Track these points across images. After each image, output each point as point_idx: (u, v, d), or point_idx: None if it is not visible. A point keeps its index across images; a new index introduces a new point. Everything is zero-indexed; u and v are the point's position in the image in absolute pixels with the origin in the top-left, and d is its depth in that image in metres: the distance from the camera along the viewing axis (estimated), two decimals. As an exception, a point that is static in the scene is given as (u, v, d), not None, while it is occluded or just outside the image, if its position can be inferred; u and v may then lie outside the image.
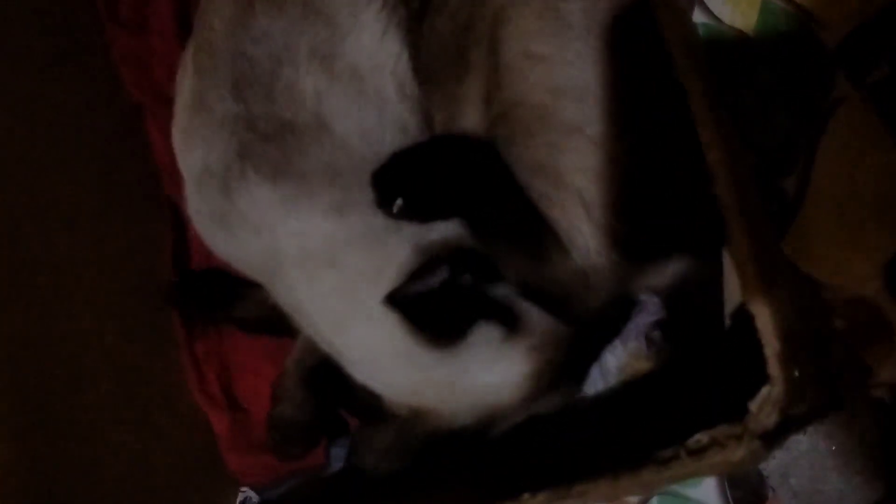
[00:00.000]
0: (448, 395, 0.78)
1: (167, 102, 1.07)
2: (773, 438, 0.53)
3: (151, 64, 1.12)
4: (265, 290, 0.87)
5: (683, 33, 0.60)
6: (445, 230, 0.77)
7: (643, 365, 0.78)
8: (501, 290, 0.76)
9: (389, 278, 0.75)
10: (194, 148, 0.83)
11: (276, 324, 0.88)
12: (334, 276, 0.78)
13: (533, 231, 0.73)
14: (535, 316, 0.76)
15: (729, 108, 0.84)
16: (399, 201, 0.72)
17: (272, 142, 0.78)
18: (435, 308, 0.73)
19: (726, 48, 0.85)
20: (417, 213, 0.74)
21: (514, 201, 0.73)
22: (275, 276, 0.83)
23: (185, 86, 0.86)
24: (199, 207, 0.85)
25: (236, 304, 1.03)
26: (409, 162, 0.75)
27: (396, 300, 0.72)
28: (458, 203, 0.75)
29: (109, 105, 1.12)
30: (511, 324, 0.76)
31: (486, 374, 0.77)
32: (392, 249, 0.77)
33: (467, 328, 0.75)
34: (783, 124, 0.84)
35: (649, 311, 0.77)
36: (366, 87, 0.79)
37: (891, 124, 0.79)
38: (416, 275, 0.74)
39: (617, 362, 0.78)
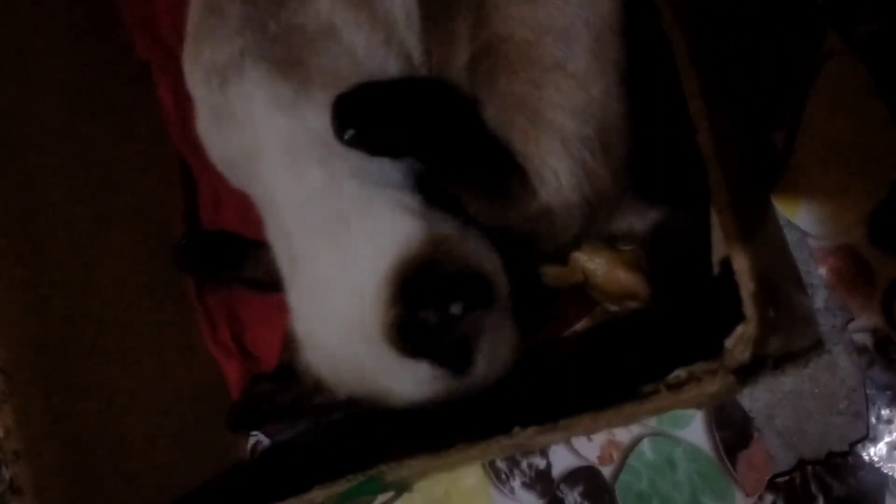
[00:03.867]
0: (371, 392, 0.80)
1: (175, 60, 1.10)
2: (746, 374, 0.56)
3: (159, 23, 1.14)
4: (272, 251, 0.87)
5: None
6: (447, 216, 0.77)
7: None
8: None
9: (388, 254, 0.75)
10: (203, 49, 0.83)
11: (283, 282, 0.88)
12: (322, 173, 0.78)
13: (498, 171, 0.74)
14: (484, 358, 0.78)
15: (718, 60, 0.86)
16: (351, 131, 0.72)
17: (278, 42, 0.79)
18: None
19: (717, 1, 0.87)
20: (368, 146, 0.75)
21: (478, 143, 0.74)
22: (254, 178, 0.83)
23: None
24: (201, 107, 0.86)
25: (243, 265, 1.03)
26: (373, 95, 0.76)
27: (402, 332, 0.73)
28: (413, 144, 0.76)
29: (119, 65, 1.13)
30: (461, 370, 0.77)
31: (419, 392, 0.79)
32: (392, 205, 0.77)
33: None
34: (773, 78, 0.85)
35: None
36: (376, 10, 0.79)
37: (878, 78, 0.81)
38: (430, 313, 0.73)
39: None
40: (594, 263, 0.83)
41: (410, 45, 0.80)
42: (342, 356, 0.80)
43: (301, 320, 0.83)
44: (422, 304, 0.73)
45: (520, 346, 0.81)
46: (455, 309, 0.71)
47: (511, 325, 0.80)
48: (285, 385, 0.85)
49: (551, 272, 0.84)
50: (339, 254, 0.77)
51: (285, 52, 0.79)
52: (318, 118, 0.77)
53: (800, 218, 0.84)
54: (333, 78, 0.78)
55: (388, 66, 0.79)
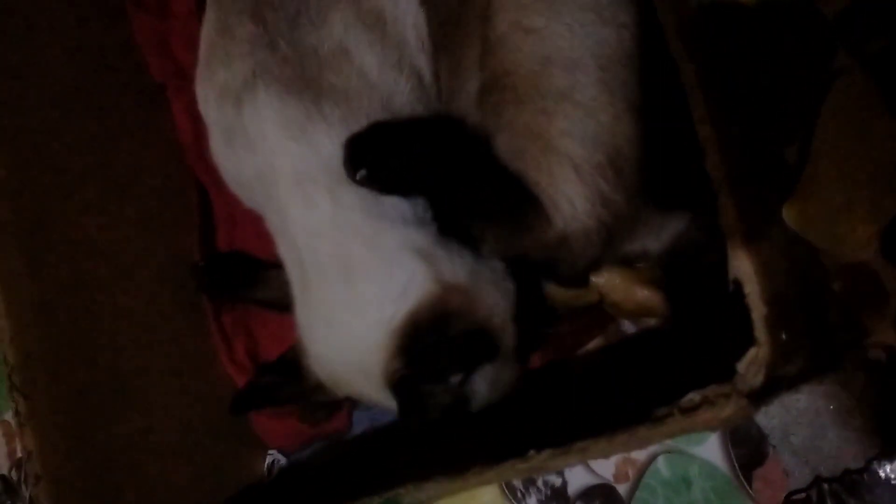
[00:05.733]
0: (370, 403, 0.82)
1: (189, 81, 1.11)
2: (759, 397, 0.56)
3: (173, 45, 1.15)
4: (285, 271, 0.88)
5: (678, 13, 0.62)
6: (459, 258, 0.78)
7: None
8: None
9: (397, 304, 0.76)
10: (216, 70, 0.84)
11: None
12: (331, 204, 0.78)
13: (512, 203, 0.75)
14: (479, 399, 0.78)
15: (729, 79, 0.86)
16: (363, 171, 0.74)
17: (289, 63, 0.79)
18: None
19: (727, 18, 0.87)
20: (379, 185, 0.76)
21: (491, 178, 0.75)
22: (267, 199, 0.84)
23: (207, 21, 0.87)
24: (215, 130, 0.86)
25: (258, 285, 1.05)
26: (384, 134, 0.77)
27: (401, 390, 0.75)
28: (425, 183, 0.77)
29: (134, 88, 1.15)
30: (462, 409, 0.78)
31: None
32: (403, 247, 0.77)
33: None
34: (784, 94, 0.85)
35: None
36: (388, 32, 0.80)
37: (889, 94, 0.81)
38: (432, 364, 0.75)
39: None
40: (612, 282, 0.83)
41: (422, 68, 0.81)
42: (343, 377, 0.83)
43: (307, 336, 0.84)
44: (424, 371, 0.75)
45: (519, 380, 0.82)
46: (455, 380, 0.74)
47: (512, 366, 0.81)
48: (289, 379, 0.88)
49: (567, 293, 0.84)
50: (348, 291, 0.78)
51: (296, 72, 0.79)
52: (329, 143, 0.78)
53: (812, 234, 0.84)
54: (345, 98, 0.78)
55: (399, 87, 0.80)
